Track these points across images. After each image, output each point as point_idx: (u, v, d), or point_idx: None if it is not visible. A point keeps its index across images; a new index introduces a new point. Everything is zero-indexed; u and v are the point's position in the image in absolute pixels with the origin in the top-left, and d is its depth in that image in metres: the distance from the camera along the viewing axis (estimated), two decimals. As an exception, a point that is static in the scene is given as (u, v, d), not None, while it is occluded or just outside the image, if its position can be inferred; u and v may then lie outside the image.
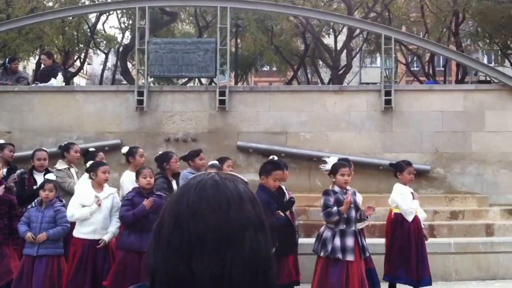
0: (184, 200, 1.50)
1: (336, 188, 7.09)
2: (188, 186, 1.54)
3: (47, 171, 8.42)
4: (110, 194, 7.53)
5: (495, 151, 12.48)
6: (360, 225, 7.24)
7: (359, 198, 7.43)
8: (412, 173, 8.30)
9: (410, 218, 8.04)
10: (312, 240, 7.43)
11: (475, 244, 9.46)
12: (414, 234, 8.05)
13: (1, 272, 7.72)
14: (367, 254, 7.21)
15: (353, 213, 7.02)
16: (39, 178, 8.59)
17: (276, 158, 8.04)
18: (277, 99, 12.93)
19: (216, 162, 8.24)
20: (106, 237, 7.27)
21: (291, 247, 7.74)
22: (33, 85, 13.61)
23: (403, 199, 8.10)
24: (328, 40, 25.90)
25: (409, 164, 8.43)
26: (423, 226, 8.25)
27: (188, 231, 1.46)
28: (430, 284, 7.97)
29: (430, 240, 8.66)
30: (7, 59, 14.08)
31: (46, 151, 9.31)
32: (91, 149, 9.35)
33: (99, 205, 7.26)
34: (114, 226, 7.38)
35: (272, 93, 13.27)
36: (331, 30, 25.17)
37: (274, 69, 31.79)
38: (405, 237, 8.00)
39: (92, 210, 7.22)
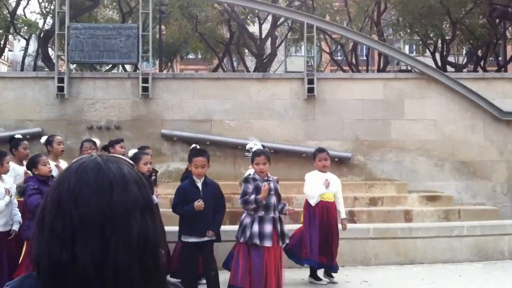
0: (65, 185, 1.43)
1: (257, 176, 7.10)
2: (69, 170, 1.48)
3: None
4: (11, 184, 7.32)
5: (413, 139, 12.85)
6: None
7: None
8: (323, 159, 8.27)
9: (312, 202, 8.08)
10: (236, 227, 7.45)
11: (394, 229, 9.70)
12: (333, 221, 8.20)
13: None
14: (287, 241, 7.26)
15: (272, 199, 7.04)
16: None
17: (198, 146, 8.00)
18: (201, 86, 12.89)
19: (136, 150, 8.10)
20: (16, 227, 7.08)
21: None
22: None
23: (308, 183, 8.17)
24: (253, 28, 25.91)
25: (320, 150, 8.45)
26: (343, 216, 8.38)
27: (70, 216, 1.39)
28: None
29: (349, 225, 8.84)
30: None
31: None
32: (17, 136, 8.97)
33: (11, 196, 7.05)
34: (18, 215, 7.20)
35: (196, 80, 13.21)
36: (256, 18, 25.19)
37: (200, 56, 31.57)
38: (332, 223, 8.11)
39: (6, 202, 7.01)
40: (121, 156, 1.54)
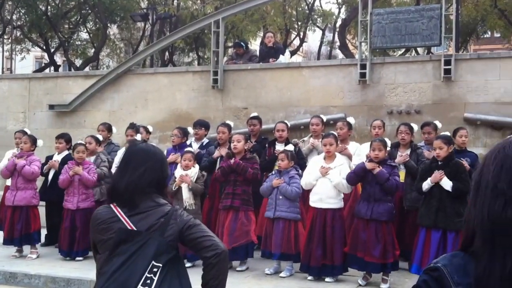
0: (508, 150, 1.56)
1: None
2: (504, 142, 1.61)
3: (287, 142, 9.51)
4: None
5: None
6: None
7: None
8: None
9: None
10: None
11: None
12: None
13: (237, 235, 8.54)
14: None
15: None
16: (279, 147, 9.60)
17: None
18: (509, 66, 12.14)
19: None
20: None
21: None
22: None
23: None
24: None
25: None
26: None
27: None
28: None
29: None
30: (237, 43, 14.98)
31: (285, 123, 10.30)
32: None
33: None
34: None
35: (503, 60, 12.44)
36: None
37: (497, 35, 29.85)
38: None
39: None
40: None
